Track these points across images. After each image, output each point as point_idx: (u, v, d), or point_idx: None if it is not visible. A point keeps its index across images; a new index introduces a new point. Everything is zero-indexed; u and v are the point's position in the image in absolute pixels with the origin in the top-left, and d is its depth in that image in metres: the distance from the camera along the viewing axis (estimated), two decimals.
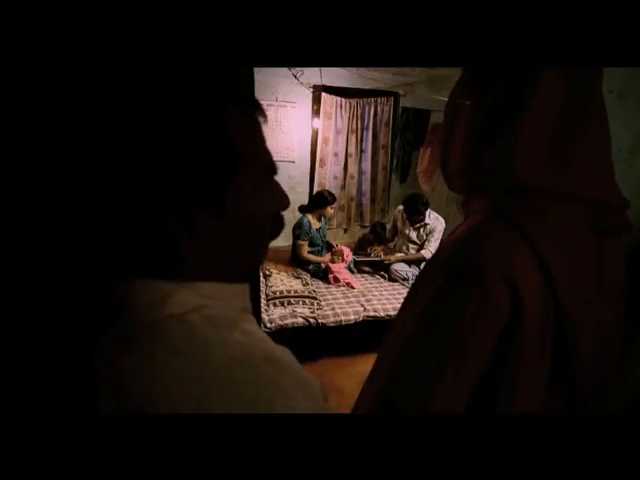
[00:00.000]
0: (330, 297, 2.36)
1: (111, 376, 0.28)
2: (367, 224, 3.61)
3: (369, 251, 2.98)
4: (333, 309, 2.19)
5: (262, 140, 0.35)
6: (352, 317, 2.16)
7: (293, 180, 3.39)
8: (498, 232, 0.44)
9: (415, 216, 2.64)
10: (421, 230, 2.70)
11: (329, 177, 3.45)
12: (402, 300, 0.55)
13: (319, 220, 2.72)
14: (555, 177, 0.44)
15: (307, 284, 2.44)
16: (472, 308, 0.42)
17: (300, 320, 2.06)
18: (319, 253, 2.74)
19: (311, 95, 3.18)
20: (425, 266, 0.55)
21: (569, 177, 0.44)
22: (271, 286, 2.33)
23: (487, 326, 0.42)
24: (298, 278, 2.51)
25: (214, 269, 0.34)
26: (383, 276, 2.75)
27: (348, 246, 2.99)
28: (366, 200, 3.68)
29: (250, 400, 0.26)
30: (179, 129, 0.28)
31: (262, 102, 0.36)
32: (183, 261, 0.31)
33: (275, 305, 2.15)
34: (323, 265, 2.66)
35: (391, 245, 3.02)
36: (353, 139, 3.42)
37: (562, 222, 0.44)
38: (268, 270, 2.55)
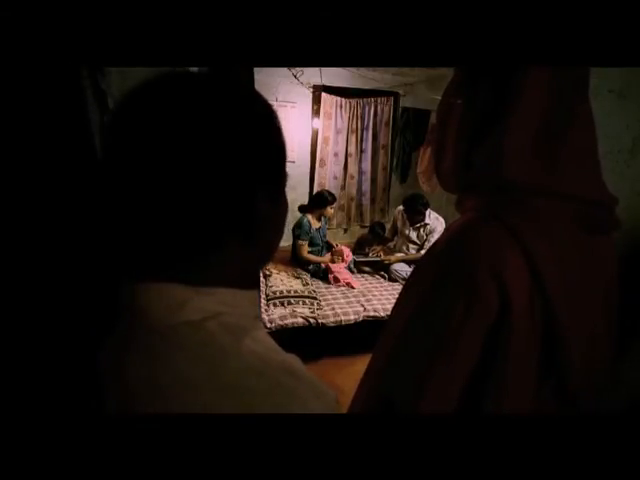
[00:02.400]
0: (330, 297, 2.36)
1: (123, 381, 0.28)
2: (367, 224, 3.61)
3: (367, 251, 2.98)
4: (333, 309, 2.19)
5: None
6: (352, 317, 2.16)
7: (293, 180, 3.38)
8: (488, 231, 0.44)
9: (415, 216, 2.64)
10: (421, 230, 2.70)
11: (329, 177, 3.45)
12: None
13: (319, 220, 2.72)
14: (543, 176, 0.44)
15: (307, 284, 2.44)
16: (462, 307, 0.43)
17: (300, 320, 2.06)
18: (319, 253, 2.74)
19: (311, 95, 3.18)
20: (418, 264, 0.55)
21: (557, 176, 0.44)
22: (271, 286, 2.33)
23: (476, 324, 0.43)
24: (298, 278, 2.51)
25: (238, 274, 0.33)
26: (383, 276, 2.75)
27: (348, 246, 2.98)
28: (366, 200, 3.68)
29: (269, 411, 0.26)
30: (221, 142, 0.28)
31: None
32: (216, 267, 0.31)
33: (275, 305, 2.15)
34: (323, 265, 2.66)
35: (391, 245, 3.02)
36: (353, 139, 3.42)
37: (551, 221, 0.44)
38: (268, 270, 2.55)
